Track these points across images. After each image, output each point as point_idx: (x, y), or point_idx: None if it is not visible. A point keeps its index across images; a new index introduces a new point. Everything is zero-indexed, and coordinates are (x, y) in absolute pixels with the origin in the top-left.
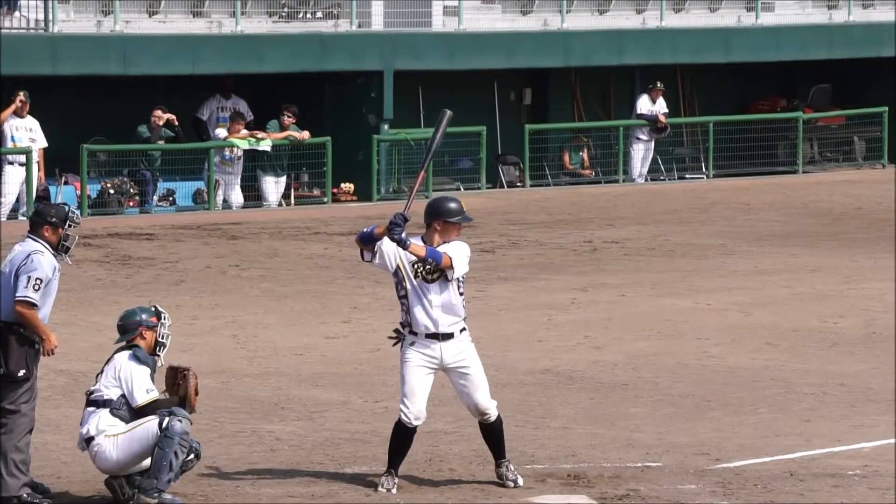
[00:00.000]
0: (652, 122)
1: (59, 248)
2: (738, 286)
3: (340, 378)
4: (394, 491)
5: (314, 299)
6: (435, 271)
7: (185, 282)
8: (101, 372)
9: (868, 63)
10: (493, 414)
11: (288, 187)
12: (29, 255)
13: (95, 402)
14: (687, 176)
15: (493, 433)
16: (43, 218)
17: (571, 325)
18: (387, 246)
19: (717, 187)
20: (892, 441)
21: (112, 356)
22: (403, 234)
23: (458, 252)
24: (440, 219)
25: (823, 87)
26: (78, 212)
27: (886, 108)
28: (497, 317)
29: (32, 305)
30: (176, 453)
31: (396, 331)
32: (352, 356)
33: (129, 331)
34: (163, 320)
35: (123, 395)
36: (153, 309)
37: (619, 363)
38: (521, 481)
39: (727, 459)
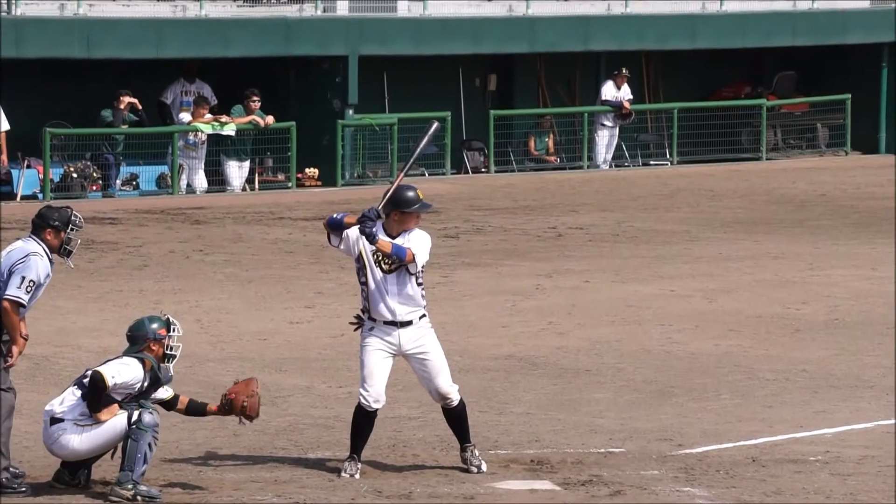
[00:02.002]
0: (617, 108)
1: (62, 252)
2: (702, 272)
3: (304, 363)
4: (357, 476)
5: (278, 284)
6: (390, 259)
7: (149, 266)
8: (105, 362)
9: (832, 50)
10: (454, 398)
11: (252, 172)
12: (28, 255)
13: (82, 385)
14: (651, 162)
15: (456, 418)
16: (45, 221)
17: (535, 311)
18: (352, 232)
19: (681, 174)
20: (854, 427)
21: (122, 355)
22: (374, 229)
23: (420, 246)
24: (398, 209)
25: (788, 75)
26: (80, 216)
27: (850, 96)
28: (461, 302)
29: (20, 306)
30: (150, 445)
31: (357, 316)
32: (315, 341)
33: (136, 342)
34: (171, 332)
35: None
36: (164, 319)
37: (583, 349)
38: (484, 467)
39: (690, 445)
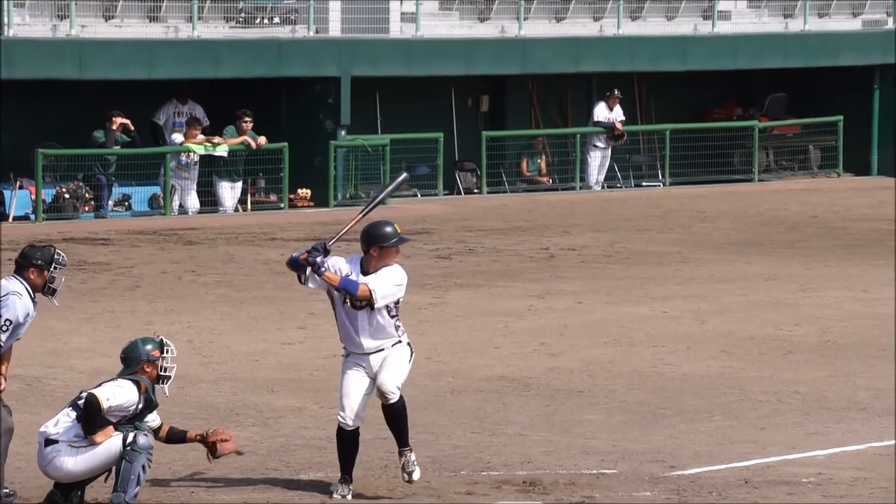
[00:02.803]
0: (609, 129)
1: (45, 291)
2: (694, 294)
3: (296, 384)
4: (348, 497)
5: (270, 305)
6: (361, 299)
7: (141, 287)
8: (100, 385)
9: (824, 72)
10: (393, 396)
11: (244, 193)
12: (8, 294)
13: (77, 409)
14: (643, 183)
15: (395, 416)
16: (28, 260)
17: (528, 332)
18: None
19: (673, 195)
20: (847, 448)
21: (117, 377)
22: (319, 259)
23: (383, 281)
24: (375, 245)
25: (779, 96)
26: (63, 254)
27: (842, 118)
28: (453, 323)
29: None
30: (144, 467)
31: None
32: (308, 362)
33: (130, 364)
34: (165, 353)
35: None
36: (157, 340)
37: (575, 370)
38: (416, 475)
39: (682, 467)
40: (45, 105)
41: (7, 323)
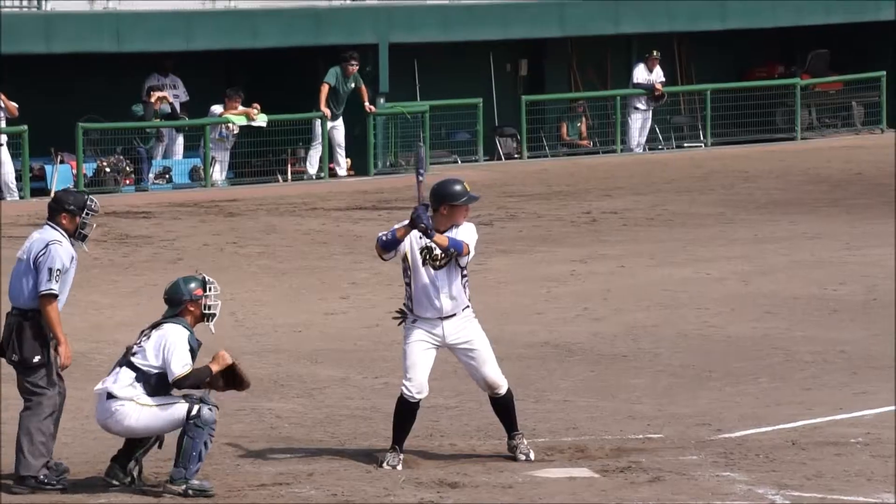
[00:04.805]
0: (649, 90)
1: (77, 236)
2: (738, 255)
3: (340, 354)
4: (399, 467)
5: (312, 275)
6: (444, 257)
7: (183, 259)
8: (145, 332)
9: (866, 28)
10: (503, 387)
11: (284, 163)
12: (47, 244)
13: (133, 366)
14: (685, 144)
15: (504, 407)
16: (60, 205)
17: (570, 297)
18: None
19: (715, 155)
20: (894, 408)
21: (161, 323)
22: (430, 222)
23: (469, 235)
24: (446, 202)
25: (821, 53)
26: (96, 200)
27: (884, 73)
28: (496, 290)
29: (54, 297)
30: (206, 443)
31: (400, 311)
32: (351, 332)
33: (174, 305)
34: (208, 291)
35: (159, 368)
36: (200, 278)
37: (619, 334)
38: (533, 455)
39: (729, 430)
40: (84, 78)
41: (58, 272)
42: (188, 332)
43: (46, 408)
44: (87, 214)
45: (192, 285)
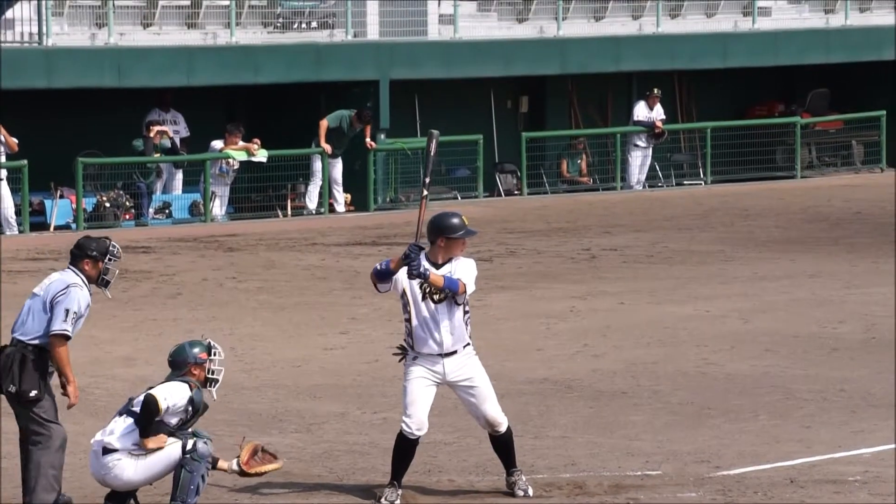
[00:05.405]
0: (649, 128)
1: (99, 283)
2: (738, 292)
3: (339, 389)
4: (397, 503)
5: (312, 311)
6: (442, 292)
7: (182, 294)
8: (150, 388)
9: (866, 67)
10: (503, 425)
11: (283, 199)
12: (68, 286)
13: (132, 413)
14: (685, 182)
15: (503, 445)
16: (83, 251)
17: (570, 334)
18: (400, 272)
19: (715, 193)
20: (893, 446)
21: (166, 381)
22: (422, 268)
23: (468, 275)
24: (443, 235)
25: (821, 92)
26: (118, 246)
27: (885, 112)
28: (495, 326)
29: (67, 338)
30: (203, 476)
31: (401, 347)
32: (350, 367)
33: (178, 367)
34: (213, 356)
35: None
36: (205, 343)
37: (619, 371)
38: (531, 491)
39: (727, 467)
40: (81, 113)
41: (74, 315)
42: (196, 389)
43: (56, 440)
44: (109, 260)
45: (197, 350)
